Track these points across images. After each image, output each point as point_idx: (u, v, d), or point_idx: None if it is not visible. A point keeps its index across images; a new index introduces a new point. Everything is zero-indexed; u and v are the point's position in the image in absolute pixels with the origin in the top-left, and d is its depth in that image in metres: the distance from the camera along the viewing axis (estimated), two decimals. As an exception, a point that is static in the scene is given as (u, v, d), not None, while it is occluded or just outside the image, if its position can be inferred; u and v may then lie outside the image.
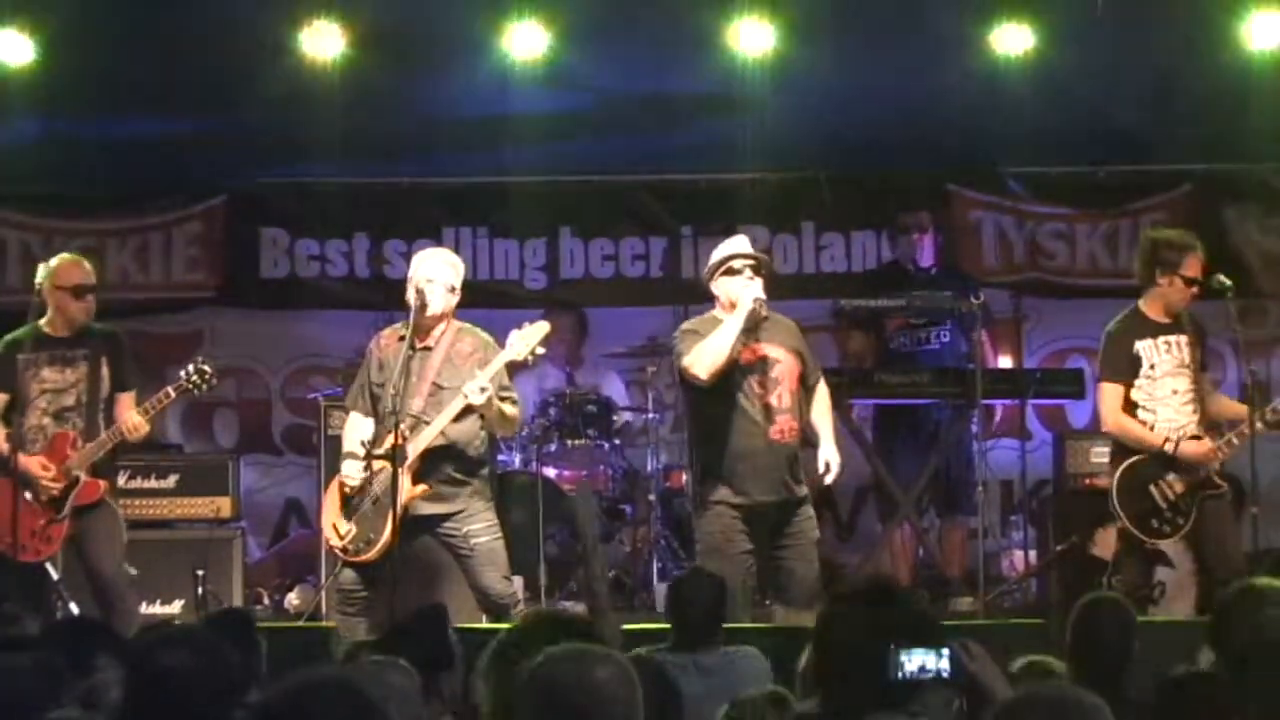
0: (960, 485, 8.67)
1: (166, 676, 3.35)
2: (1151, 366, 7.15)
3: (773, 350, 6.91)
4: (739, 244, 7.05)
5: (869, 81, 8.64)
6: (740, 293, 6.80)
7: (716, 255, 7.03)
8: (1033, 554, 8.66)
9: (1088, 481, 8.49)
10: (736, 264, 6.89)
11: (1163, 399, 7.14)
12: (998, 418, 9.31)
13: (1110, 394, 7.23)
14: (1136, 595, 7.12)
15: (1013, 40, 8.27)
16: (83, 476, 6.99)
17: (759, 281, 6.85)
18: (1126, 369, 7.18)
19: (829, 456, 6.98)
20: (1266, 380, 9.34)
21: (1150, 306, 7.20)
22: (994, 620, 7.59)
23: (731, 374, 6.81)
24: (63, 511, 6.95)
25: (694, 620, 5.38)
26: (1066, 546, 7.97)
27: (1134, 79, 8.52)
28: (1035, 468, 9.04)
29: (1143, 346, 7.16)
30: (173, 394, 7.08)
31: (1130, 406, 7.17)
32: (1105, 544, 8.18)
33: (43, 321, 7.15)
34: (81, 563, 7.03)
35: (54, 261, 7.24)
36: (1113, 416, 7.23)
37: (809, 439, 7.08)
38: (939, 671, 3.67)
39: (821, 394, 7.14)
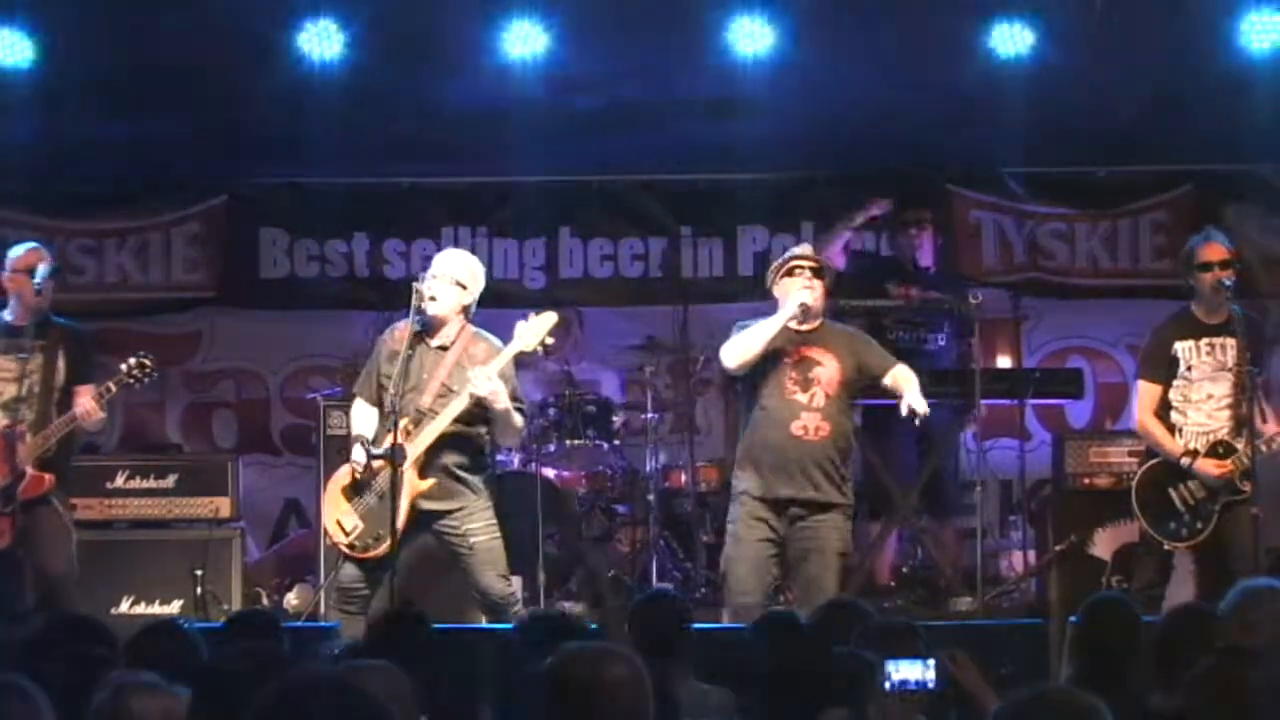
0: (953, 486, 8.68)
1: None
2: (1189, 368, 7.18)
3: (818, 354, 7.02)
4: (802, 248, 7.29)
5: (869, 81, 8.65)
6: (792, 294, 6.95)
7: (781, 258, 7.21)
8: (1031, 554, 8.66)
9: (1087, 481, 8.48)
10: (797, 267, 7.04)
11: (1196, 402, 7.17)
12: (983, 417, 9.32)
13: (1143, 393, 7.32)
14: (1149, 594, 7.15)
15: (1013, 40, 8.27)
16: (29, 470, 6.99)
17: (818, 284, 7.00)
18: (1162, 369, 7.23)
19: (911, 400, 6.95)
20: (1266, 381, 9.34)
21: (1197, 307, 7.26)
22: (993, 620, 7.59)
23: (768, 370, 6.97)
24: (10, 505, 6.95)
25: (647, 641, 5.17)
26: (1065, 547, 7.97)
27: (1134, 79, 8.51)
28: (1034, 468, 9.03)
29: (1182, 347, 7.21)
30: (113, 387, 7.08)
31: (1165, 407, 7.20)
32: (1104, 544, 8.20)
33: (5, 311, 7.17)
34: (28, 558, 7.02)
35: (19, 249, 7.26)
36: (1140, 416, 7.32)
37: (846, 446, 7.08)
38: (925, 682, 3.68)
39: (899, 369, 7.12)
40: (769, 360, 6.96)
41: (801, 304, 6.91)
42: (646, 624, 4.92)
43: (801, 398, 6.93)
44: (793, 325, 6.98)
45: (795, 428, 6.91)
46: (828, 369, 6.99)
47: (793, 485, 6.89)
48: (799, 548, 6.90)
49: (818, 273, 7.03)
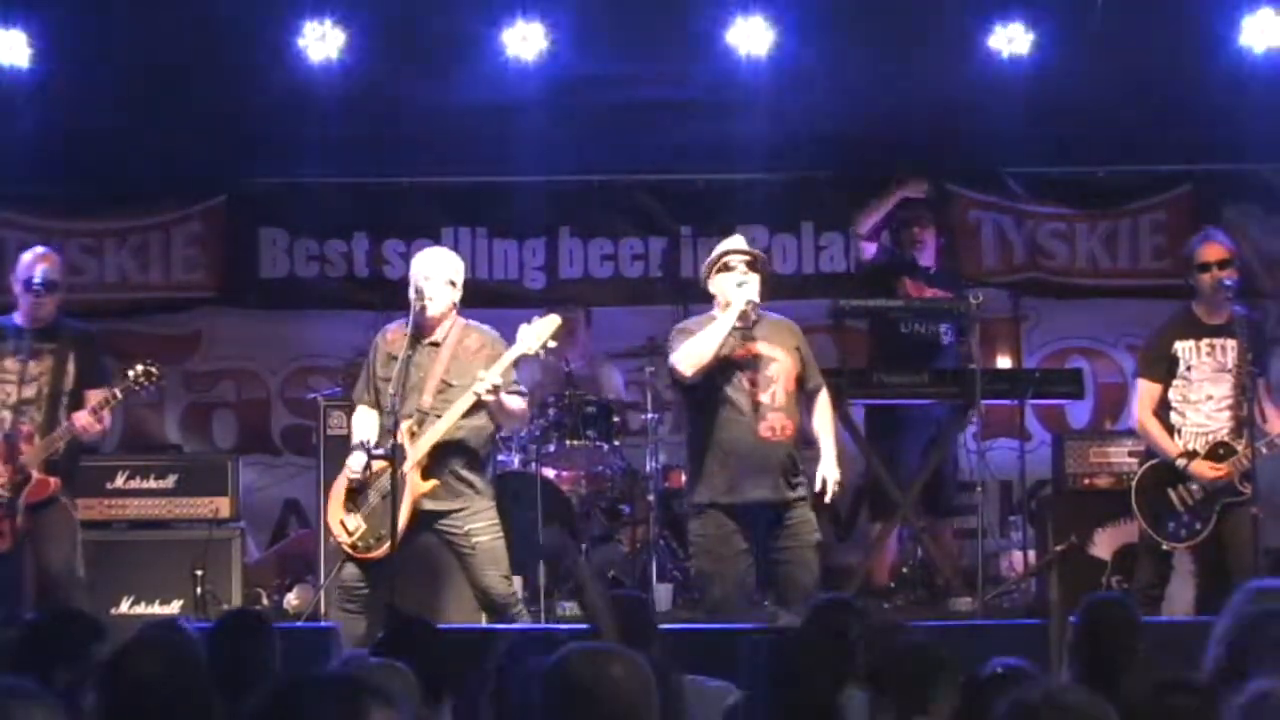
0: (950, 486, 8.68)
1: (137, 685, 3.39)
2: (1189, 369, 7.18)
3: (768, 349, 6.92)
4: (734, 241, 7.10)
5: (869, 81, 8.65)
6: (733, 291, 6.84)
7: (713, 253, 7.07)
8: (1032, 554, 8.66)
9: (1087, 482, 8.49)
10: (731, 260, 6.93)
11: (1196, 403, 7.18)
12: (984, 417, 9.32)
13: (1143, 392, 7.34)
14: (1149, 594, 7.15)
15: (1013, 41, 8.27)
16: (34, 474, 6.99)
17: (754, 278, 6.89)
18: (1162, 368, 7.23)
19: (827, 473, 6.95)
20: (1266, 382, 9.34)
21: (1198, 307, 7.26)
22: (993, 621, 7.59)
23: (723, 371, 6.85)
24: (15, 508, 6.95)
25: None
26: (1065, 547, 7.96)
27: (1134, 79, 8.51)
28: (1034, 468, 9.03)
29: (1182, 347, 7.21)
30: (119, 394, 7.09)
31: (1164, 406, 7.20)
32: (1104, 544, 8.20)
33: (15, 313, 7.20)
34: (33, 560, 7.06)
35: (25, 255, 7.29)
36: (1139, 415, 7.33)
37: (808, 441, 7.08)
38: None
39: (823, 403, 7.12)
40: (724, 361, 6.83)
41: (749, 301, 6.80)
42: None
43: (764, 397, 6.83)
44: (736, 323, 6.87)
45: (763, 429, 6.82)
46: (781, 364, 6.91)
47: (763, 488, 6.81)
48: (776, 548, 6.85)
49: (752, 265, 6.91)
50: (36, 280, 7.10)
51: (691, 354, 6.82)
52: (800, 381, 7.00)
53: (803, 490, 6.92)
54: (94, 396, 7.13)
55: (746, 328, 6.92)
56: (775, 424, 6.84)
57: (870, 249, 9.08)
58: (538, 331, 6.71)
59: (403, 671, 3.95)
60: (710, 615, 6.86)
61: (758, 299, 6.86)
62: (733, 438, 6.84)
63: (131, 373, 7.09)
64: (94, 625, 4.42)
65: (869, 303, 8.69)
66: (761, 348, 6.92)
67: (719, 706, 4.43)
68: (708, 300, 7.13)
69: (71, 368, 7.15)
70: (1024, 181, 10.18)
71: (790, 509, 6.86)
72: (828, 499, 6.99)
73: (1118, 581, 7.95)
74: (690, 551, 7.18)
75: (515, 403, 6.81)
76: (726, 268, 6.92)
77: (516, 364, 6.82)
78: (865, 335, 8.97)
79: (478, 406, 6.68)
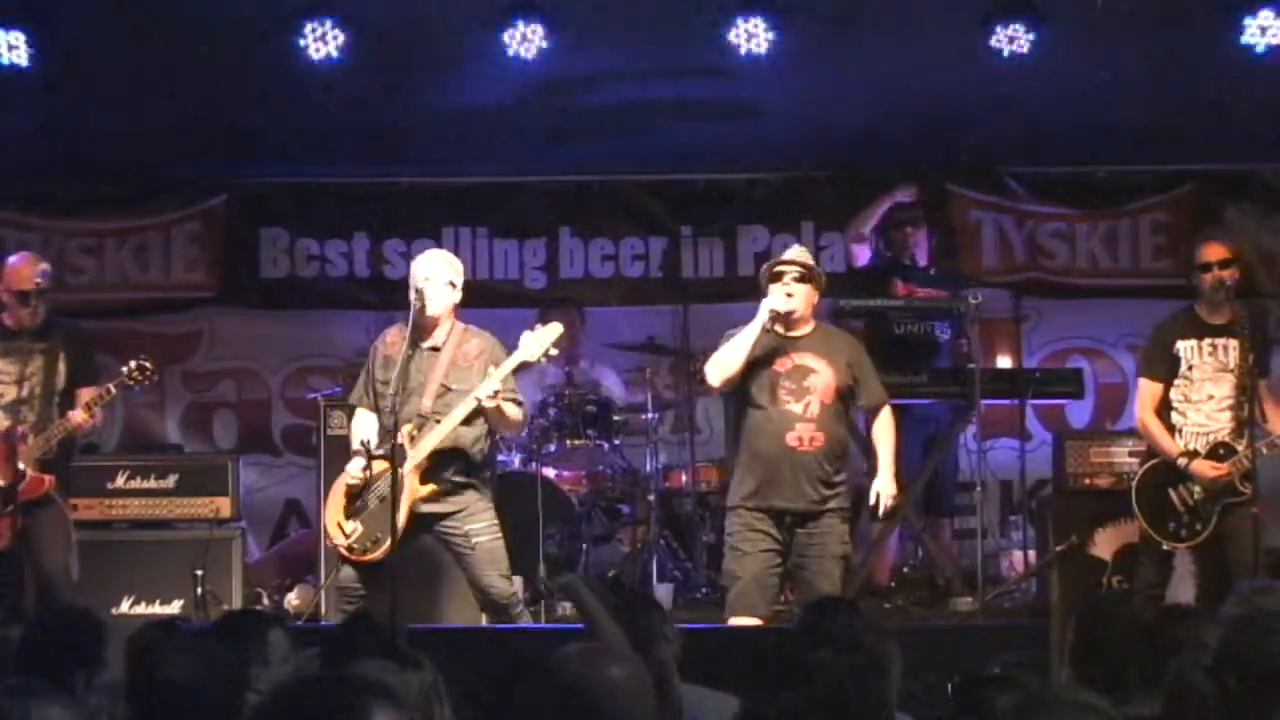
0: (949, 486, 8.68)
1: (167, 685, 3.39)
2: (1190, 368, 7.18)
3: (812, 360, 6.87)
4: (791, 252, 7.08)
5: (869, 81, 8.64)
6: (773, 300, 6.82)
7: (770, 261, 7.07)
8: (1032, 554, 8.66)
9: (1087, 482, 8.48)
10: (782, 270, 6.89)
11: (1197, 402, 7.17)
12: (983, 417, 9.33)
13: (1144, 391, 7.34)
14: (1149, 594, 7.14)
15: (1013, 40, 8.27)
16: (29, 471, 7.01)
17: (801, 289, 6.83)
18: (1164, 367, 7.23)
19: (882, 488, 6.97)
20: (1268, 382, 9.34)
21: (1201, 307, 7.26)
22: (993, 621, 7.59)
23: (760, 380, 6.85)
24: (10, 506, 6.97)
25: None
26: (1066, 547, 7.96)
27: (1134, 79, 8.51)
28: (1035, 468, 9.03)
29: (1184, 346, 7.21)
30: (114, 389, 7.11)
31: (1166, 406, 7.20)
32: (1105, 544, 8.20)
33: (4, 314, 7.22)
34: (28, 558, 7.10)
35: (11, 259, 7.31)
36: (1140, 414, 7.33)
37: (840, 452, 7.02)
38: None
39: (883, 419, 7.09)
40: (761, 369, 6.82)
41: (771, 310, 6.77)
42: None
43: (795, 408, 6.80)
44: (779, 330, 6.85)
45: (790, 439, 6.79)
46: (822, 376, 6.85)
47: (786, 496, 6.79)
48: (798, 554, 6.83)
49: (803, 277, 6.85)
50: (32, 285, 7.10)
51: (719, 362, 6.86)
52: (844, 395, 6.95)
53: (836, 502, 6.88)
54: (87, 394, 7.14)
55: (793, 338, 6.90)
56: (804, 434, 6.81)
57: (863, 254, 9.08)
58: (540, 339, 6.72)
59: (395, 669, 3.95)
60: (731, 612, 6.86)
61: (783, 308, 6.79)
62: (762, 445, 6.85)
63: (125, 368, 7.12)
64: (98, 625, 4.43)
65: (869, 302, 8.68)
66: (805, 359, 6.87)
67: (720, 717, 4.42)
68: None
69: (63, 367, 7.17)
70: (1024, 181, 10.19)
71: (819, 519, 6.83)
72: (880, 514, 7.05)
73: (1118, 581, 7.94)
74: (725, 547, 7.18)
75: (513, 411, 6.80)
76: (778, 278, 6.89)
77: (517, 372, 6.82)
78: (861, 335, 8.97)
79: (477, 412, 6.69)
